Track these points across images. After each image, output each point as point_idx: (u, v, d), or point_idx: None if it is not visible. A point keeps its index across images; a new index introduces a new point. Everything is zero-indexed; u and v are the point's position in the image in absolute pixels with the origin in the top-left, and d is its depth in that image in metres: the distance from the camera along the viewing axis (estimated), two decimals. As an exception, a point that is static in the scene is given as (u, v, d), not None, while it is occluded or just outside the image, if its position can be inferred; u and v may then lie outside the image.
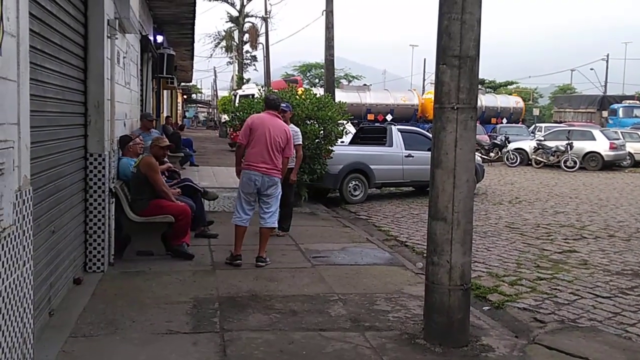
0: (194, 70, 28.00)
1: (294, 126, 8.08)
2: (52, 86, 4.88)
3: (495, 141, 26.35)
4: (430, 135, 6.10)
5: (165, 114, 20.75)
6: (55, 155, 4.99)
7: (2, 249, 3.08)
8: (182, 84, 36.67)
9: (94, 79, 6.17)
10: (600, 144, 22.88)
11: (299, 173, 11.10)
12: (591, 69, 57.01)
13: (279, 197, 7.06)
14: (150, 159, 7.00)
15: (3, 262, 3.09)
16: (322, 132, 11.37)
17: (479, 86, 6.38)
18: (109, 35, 6.40)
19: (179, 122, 34.53)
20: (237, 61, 54.07)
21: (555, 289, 6.48)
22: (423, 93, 43.89)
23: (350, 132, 15.14)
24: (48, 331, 4.57)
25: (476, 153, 5.96)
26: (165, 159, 8.20)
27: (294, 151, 7.61)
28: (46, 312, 4.73)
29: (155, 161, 7.06)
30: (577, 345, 4.75)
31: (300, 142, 8.22)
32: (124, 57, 7.71)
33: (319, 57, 44.79)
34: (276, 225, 7.29)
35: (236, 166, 7.13)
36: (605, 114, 37.87)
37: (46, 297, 4.72)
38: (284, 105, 7.82)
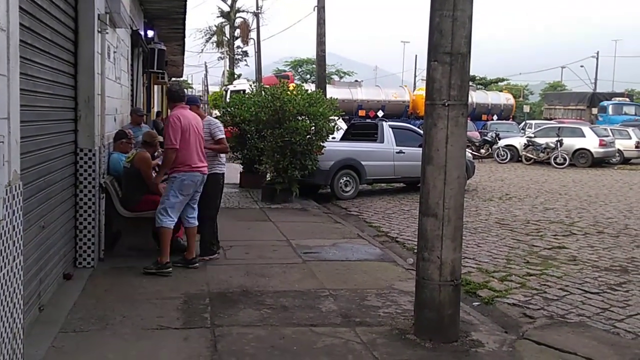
0: (184, 65, 27.85)
1: (213, 118, 7.35)
2: (43, 81, 4.85)
3: (486, 138, 26.46)
4: (421, 132, 6.12)
5: (156, 109, 20.66)
6: (45, 150, 4.97)
7: (-8, 244, 3.07)
8: (173, 79, 36.51)
9: (85, 73, 6.14)
10: (590, 141, 22.99)
11: (290, 169, 11.15)
12: (581, 66, 57.42)
13: None
14: (145, 153, 6.95)
15: (-7, 257, 3.08)
16: (313, 128, 11.39)
17: (470, 83, 6.39)
18: (99, 29, 6.37)
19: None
20: (228, 56, 53.94)
21: (545, 284, 6.52)
22: (414, 89, 43.93)
23: (341, 128, 15.16)
24: (38, 326, 4.56)
25: (467, 149, 5.99)
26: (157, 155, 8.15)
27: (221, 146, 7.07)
28: (36, 307, 4.72)
29: (149, 156, 7.03)
30: (566, 340, 4.79)
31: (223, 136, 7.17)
32: (114, 52, 7.67)
33: (311, 53, 44.76)
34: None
35: (163, 174, 6.53)
36: (595, 111, 38.07)
37: (36, 293, 4.70)
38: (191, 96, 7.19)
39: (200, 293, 5.62)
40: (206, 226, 6.95)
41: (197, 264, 6.51)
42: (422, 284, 4.64)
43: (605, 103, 37.68)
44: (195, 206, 6.64)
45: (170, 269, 6.23)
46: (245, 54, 55.76)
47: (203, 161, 6.50)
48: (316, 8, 21.74)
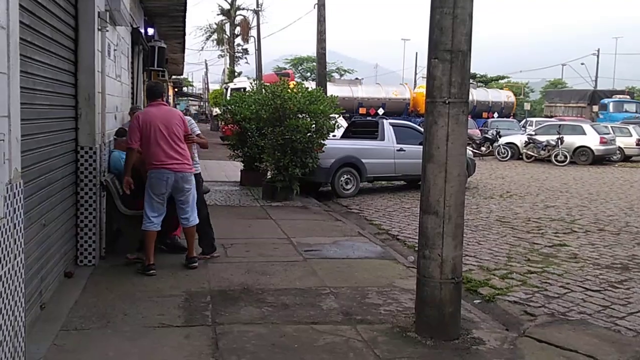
0: (185, 63, 27.84)
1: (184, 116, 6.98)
2: (43, 79, 4.85)
3: (487, 135, 26.44)
4: (422, 129, 6.11)
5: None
6: (46, 148, 4.96)
7: (-7, 242, 3.07)
8: (173, 77, 36.50)
9: (85, 71, 6.14)
10: (591, 139, 22.97)
11: (290, 166, 11.15)
12: (582, 64, 57.32)
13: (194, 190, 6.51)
14: None
15: (-6, 256, 3.08)
16: (313, 125, 11.38)
17: (471, 80, 6.36)
18: (99, 27, 6.37)
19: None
20: (228, 54, 53.95)
21: (546, 282, 6.52)
22: (415, 87, 43.93)
23: (341, 126, 15.15)
24: (39, 324, 4.56)
25: (467, 147, 5.98)
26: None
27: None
28: (37, 305, 4.72)
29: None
30: (567, 338, 4.79)
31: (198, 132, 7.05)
32: (114, 50, 7.66)
33: (311, 51, 44.79)
34: (197, 221, 6.59)
35: (126, 175, 6.31)
36: (595, 108, 38.03)
37: (37, 291, 4.70)
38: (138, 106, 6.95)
39: (202, 291, 5.62)
40: (201, 225, 6.84)
41: (195, 264, 6.40)
42: (423, 282, 4.64)
43: (606, 100, 37.66)
44: (185, 206, 6.40)
45: (153, 271, 6.08)
46: (246, 51, 55.80)
47: (173, 157, 6.17)
48: (316, 5, 21.71)
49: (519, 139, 24.83)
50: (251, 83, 16.95)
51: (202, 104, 69.52)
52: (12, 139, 3.39)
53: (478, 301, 5.87)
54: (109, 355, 4.14)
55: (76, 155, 6.11)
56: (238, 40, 54.00)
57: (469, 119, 5.24)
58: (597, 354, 4.46)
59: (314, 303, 5.37)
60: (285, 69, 55.27)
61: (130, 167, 6.32)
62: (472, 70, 4.73)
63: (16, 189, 3.45)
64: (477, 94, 38.09)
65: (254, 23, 45.05)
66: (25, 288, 3.69)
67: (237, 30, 53.18)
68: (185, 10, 13.44)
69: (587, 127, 23.84)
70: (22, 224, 3.59)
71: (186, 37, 18.09)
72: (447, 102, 4.45)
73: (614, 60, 61.27)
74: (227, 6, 53.36)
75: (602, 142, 22.94)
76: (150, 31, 13.62)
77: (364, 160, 13.03)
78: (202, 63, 69.88)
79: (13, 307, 3.41)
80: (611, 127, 25.39)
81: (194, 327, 4.70)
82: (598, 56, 56.04)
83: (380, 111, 34.58)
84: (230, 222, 9.05)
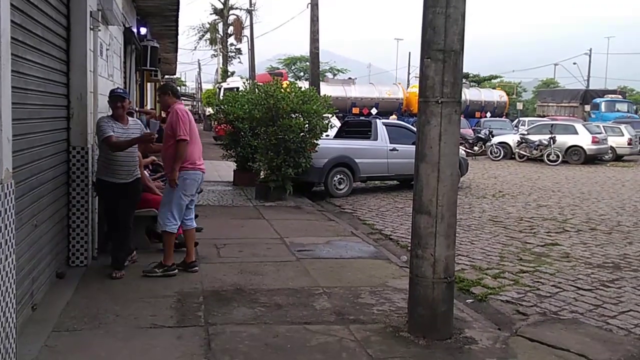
0: (178, 62, 27.80)
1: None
2: (34, 78, 4.83)
3: (479, 135, 26.52)
4: (415, 129, 6.11)
5: (148, 107, 20.61)
6: (37, 148, 4.94)
7: (-16, 243, 3.05)
8: (166, 76, 36.43)
9: (77, 71, 6.11)
10: (583, 138, 23.07)
11: (283, 166, 11.14)
12: (574, 64, 57.57)
13: None
14: None
15: (-16, 257, 3.06)
16: (307, 125, 11.37)
17: (463, 80, 6.37)
18: (91, 27, 6.34)
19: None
20: (221, 54, 53.88)
21: (538, 281, 6.54)
22: (408, 87, 43.98)
23: (335, 126, 15.16)
24: (31, 326, 4.54)
25: (460, 147, 5.98)
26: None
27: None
28: (29, 306, 4.70)
29: (141, 155, 7.00)
30: (559, 337, 4.81)
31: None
32: (106, 49, 7.64)
33: (304, 51, 44.72)
34: (195, 224, 6.55)
35: (176, 170, 6.04)
36: (587, 108, 38.21)
37: (29, 292, 4.68)
38: (120, 91, 6.54)
39: (194, 291, 5.61)
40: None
41: (196, 268, 6.29)
42: (416, 282, 4.65)
43: (598, 100, 37.83)
44: (193, 207, 6.44)
45: (176, 270, 6.09)
46: (239, 51, 55.76)
47: (201, 159, 6.32)
48: (309, 5, 21.73)
49: (512, 139, 24.90)
50: (244, 83, 16.92)
51: (195, 103, 69.38)
52: (4, 139, 3.37)
53: (470, 300, 5.88)
54: (100, 356, 4.12)
55: (68, 155, 6.08)
56: (231, 40, 53.99)
57: (461, 118, 5.25)
58: (589, 353, 4.48)
59: (307, 303, 5.37)
60: (278, 68, 55.22)
61: (180, 162, 6.00)
62: (464, 70, 4.74)
63: (7, 189, 3.43)
64: (470, 94, 38.21)
65: (247, 23, 45.05)
66: (16, 289, 3.67)
67: (230, 29, 53.13)
68: (178, 10, 13.41)
69: (579, 126, 23.94)
70: (13, 224, 3.57)
71: (179, 37, 18.06)
72: (439, 101, 4.45)
73: (606, 60, 61.59)
74: (220, 6, 53.29)
75: (594, 142, 23.04)
76: (143, 31, 13.58)
77: (357, 160, 13.04)
78: (195, 63, 69.78)
79: (4, 308, 3.39)
80: (603, 126, 25.49)
81: (187, 327, 4.69)
82: (590, 56, 56.31)
83: (374, 111, 34.64)
84: (223, 222, 9.04)
